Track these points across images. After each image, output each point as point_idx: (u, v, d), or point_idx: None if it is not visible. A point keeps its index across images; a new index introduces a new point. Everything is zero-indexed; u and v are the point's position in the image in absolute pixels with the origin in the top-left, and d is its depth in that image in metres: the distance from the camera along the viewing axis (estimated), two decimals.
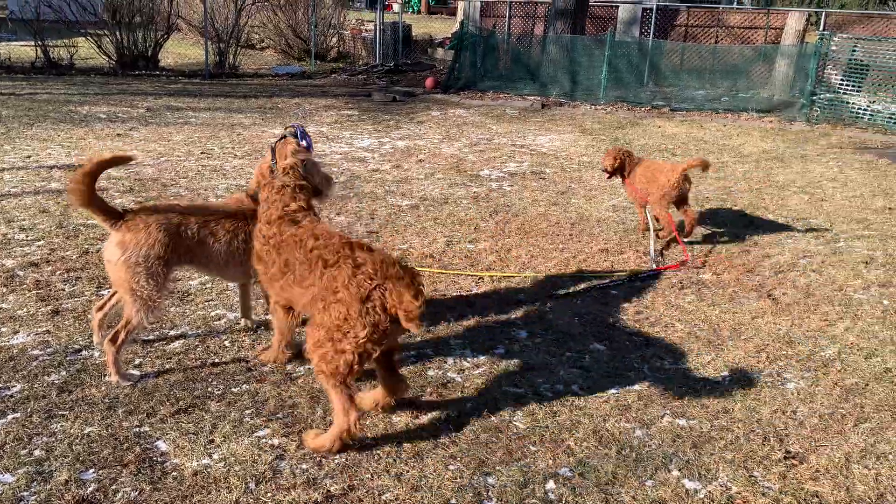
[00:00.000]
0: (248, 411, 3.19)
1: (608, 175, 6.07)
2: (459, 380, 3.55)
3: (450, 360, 3.74)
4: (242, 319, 3.98)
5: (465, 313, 4.32)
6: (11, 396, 3.21)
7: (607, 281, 4.92)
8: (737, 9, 19.38)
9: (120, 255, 3.24)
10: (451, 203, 6.67)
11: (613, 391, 3.52)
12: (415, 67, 17.81)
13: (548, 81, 14.75)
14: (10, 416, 3.06)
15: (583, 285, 4.85)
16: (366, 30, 20.79)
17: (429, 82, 15.20)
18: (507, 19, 18.72)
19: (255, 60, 18.17)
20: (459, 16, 21.80)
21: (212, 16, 15.75)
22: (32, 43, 14.52)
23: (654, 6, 17.03)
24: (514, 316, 4.34)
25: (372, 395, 3.19)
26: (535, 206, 6.75)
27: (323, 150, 8.68)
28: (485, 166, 8.29)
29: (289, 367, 3.58)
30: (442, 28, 25.64)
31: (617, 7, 17.93)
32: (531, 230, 5.99)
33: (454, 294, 4.61)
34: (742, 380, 3.68)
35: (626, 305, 4.57)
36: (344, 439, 2.86)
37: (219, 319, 4.07)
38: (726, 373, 3.75)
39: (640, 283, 4.93)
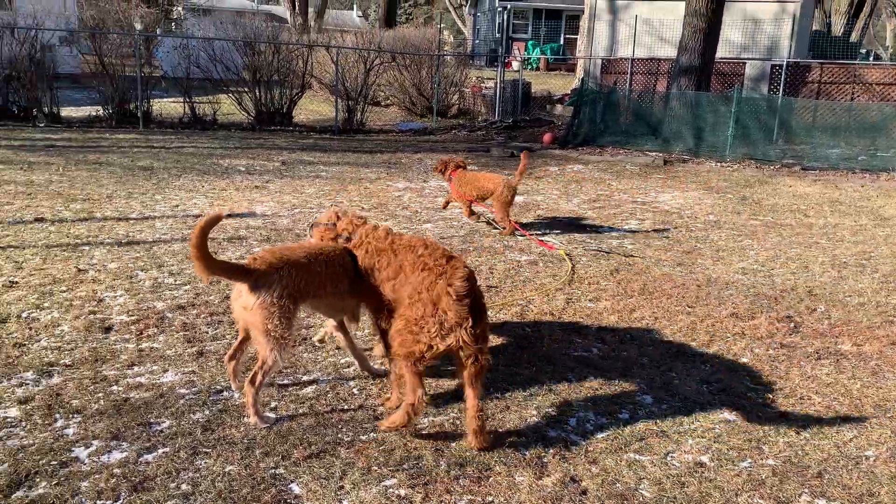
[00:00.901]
0: (375, 460, 3.28)
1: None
2: (583, 443, 3.51)
3: (572, 422, 3.71)
4: (363, 371, 4.13)
5: (586, 374, 4.28)
6: (161, 431, 3.45)
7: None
8: (875, 65, 18.50)
9: (255, 300, 3.45)
10: (570, 260, 6.66)
11: (745, 464, 3.38)
12: (533, 123, 18.04)
13: (670, 137, 14.55)
14: (160, 451, 3.29)
15: (713, 349, 4.70)
16: (486, 87, 21.30)
17: (546, 138, 15.33)
18: (628, 76, 18.69)
19: (380, 117, 18.98)
20: (579, 73, 21.98)
21: (343, 75, 16.64)
22: (181, 100, 15.82)
23: (785, 63, 16.54)
24: (637, 379, 4.25)
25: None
26: (658, 265, 6.63)
27: (440, 204, 8.91)
28: (605, 223, 8.24)
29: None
30: (560, 84, 25.90)
31: (744, 63, 17.54)
32: (655, 291, 5.88)
33: (575, 354, 4.59)
34: (889, 461, 3.44)
35: (757, 374, 4.38)
36: (410, 413, 3.37)
37: (348, 367, 4.23)
38: (870, 452, 3.52)
39: (771, 351, 4.72)
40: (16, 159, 10.49)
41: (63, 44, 17.90)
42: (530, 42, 34.49)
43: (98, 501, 2.91)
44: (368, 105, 17.65)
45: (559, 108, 20.39)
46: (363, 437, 3.46)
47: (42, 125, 14.50)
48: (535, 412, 3.79)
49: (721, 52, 16.67)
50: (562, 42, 35.20)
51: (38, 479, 3.03)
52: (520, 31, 35.44)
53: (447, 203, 8.48)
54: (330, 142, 14.68)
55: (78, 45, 22.74)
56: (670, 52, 17.59)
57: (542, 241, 7.28)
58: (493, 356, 4.39)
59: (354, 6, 56.66)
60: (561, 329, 4.98)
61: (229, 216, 7.70)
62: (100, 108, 15.37)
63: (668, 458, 3.40)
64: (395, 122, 18.44)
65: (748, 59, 17.31)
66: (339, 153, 13.01)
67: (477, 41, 39.95)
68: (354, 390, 3.95)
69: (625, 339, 4.86)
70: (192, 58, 15.89)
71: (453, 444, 3.45)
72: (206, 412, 3.64)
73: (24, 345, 4.34)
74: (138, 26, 24.74)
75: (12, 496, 2.91)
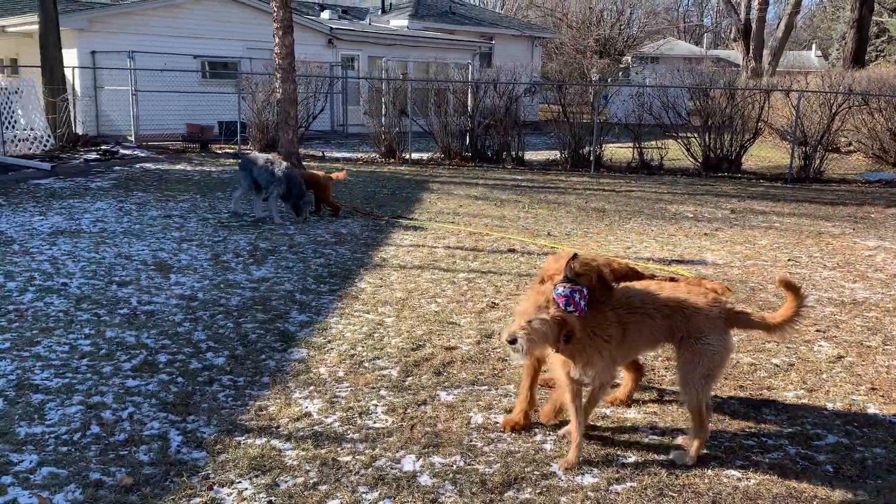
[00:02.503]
0: None
1: None
2: None
3: None
4: None
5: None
6: (627, 465, 3.60)
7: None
8: None
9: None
10: None
11: None
12: None
13: None
14: (628, 484, 3.43)
15: None
16: None
17: None
18: None
19: (840, 165, 17.19)
20: None
21: (801, 120, 15.52)
22: (630, 145, 16.49)
23: None
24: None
25: None
26: None
27: None
28: None
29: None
30: None
31: None
32: None
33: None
34: None
35: None
36: None
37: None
38: None
39: None
40: (490, 196, 12.09)
41: (526, 94, 20.14)
42: None
43: None
44: (827, 152, 16.13)
45: None
46: None
47: (509, 167, 16.49)
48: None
49: None
50: None
51: (524, 485, 3.41)
52: None
53: None
54: (782, 191, 13.79)
55: (540, 96, 25.33)
56: None
57: None
58: None
59: (813, 46, 52.56)
60: None
61: (678, 262, 7.73)
62: (556, 152, 16.88)
63: None
64: (859, 171, 16.50)
65: None
66: (793, 203, 12.13)
67: None
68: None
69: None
70: (644, 105, 16.45)
71: None
72: (668, 455, 3.68)
73: (506, 360, 4.94)
74: (595, 77, 26.57)
75: (504, 495, 3.32)
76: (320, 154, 17.46)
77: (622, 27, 48.86)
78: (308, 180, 9.77)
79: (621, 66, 43.95)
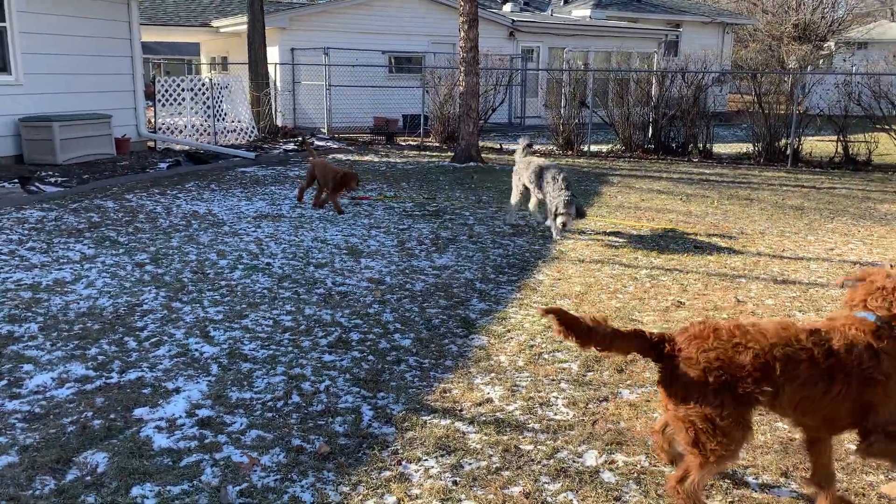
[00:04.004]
0: None
1: None
2: None
3: None
4: None
5: None
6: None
7: None
8: None
9: None
10: None
11: None
12: None
13: None
14: None
15: None
16: None
17: None
18: None
19: None
20: None
21: None
22: (834, 138, 15.12)
23: None
24: None
25: None
26: None
27: None
28: None
29: None
30: None
31: None
32: None
33: None
34: None
35: None
36: None
37: None
38: None
39: None
40: (675, 190, 11.60)
41: (714, 84, 19.07)
42: None
43: None
44: None
45: None
46: None
47: (696, 160, 15.72)
48: None
49: None
50: None
51: (713, 491, 3.24)
52: None
53: None
54: None
55: (731, 85, 23.88)
56: None
57: None
58: None
59: None
60: None
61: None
62: (749, 145, 15.86)
63: None
64: None
65: None
66: None
67: None
68: None
69: None
70: (852, 94, 15.02)
71: None
72: (881, 477, 3.35)
73: None
74: (792, 64, 24.68)
75: None
76: (498, 146, 17.64)
77: (825, 10, 44.88)
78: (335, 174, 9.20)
79: (823, 52, 40.41)
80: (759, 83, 15.93)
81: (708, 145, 16.15)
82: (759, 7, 42.43)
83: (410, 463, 3.43)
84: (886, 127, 14.79)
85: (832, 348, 2.74)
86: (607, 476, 3.36)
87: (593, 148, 16.83)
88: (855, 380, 2.71)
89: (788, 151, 14.97)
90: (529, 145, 9.38)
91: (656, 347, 2.90)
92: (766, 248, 7.84)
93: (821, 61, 36.65)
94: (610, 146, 16.99)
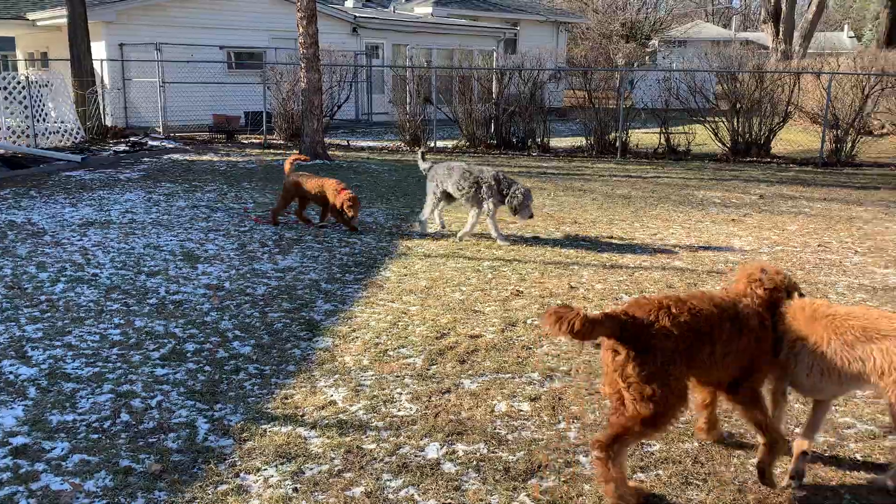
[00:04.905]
0: None
1: None
2: None
3: None
4: None
5: None
6: (653, 454, 3.58)
7: None
8: None
9: None
10: None
11: None
12: None
13: None
14: (652, 473, 3.41)
15: None
16: None
17: None
18: None
19: (873, 149, 16.80)
20: None
21: (832, 102, 15.21)
22: (657, 130, 16.28)
23: None
24: None
25: None
26: None
27: None
28: None
29: None
30: None
31: None
32: None
33: None
34: None
35: None
36: None
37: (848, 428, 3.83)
38: None
39: None
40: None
41: (551, 81, 19.96)
42: None
43: None
44: (859, 135, 15.80)
45: None
46: None
47: (535, 154, 16.39)
48: None
49: None
50: None
51: (548, 473, 3.41)
52: None
53: None
54: (813, 175, 13.55)
55: (565, 82, 25.08)
56: None
57: None
58: None
59: (845, 27, 51.43)
60: None
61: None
62: (582, 138, 16.75)
63: None
64: (894, 154, 16.14)
65: None
66: (824, 188, 11.92)
67: None
68: (857, 455, 3.55)
69: None
70: (672, 90, 16.23)
71: None
72: (695, 444, 3.66)
73: (531, 348, 4.93)
74: (620, 62, 26.26)
75: (528, 482, 3.33)
76: (345, 143, 17.52)
77: (649, 10, 48.23)
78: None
79: (648, 50, 43.39)
80: (589, 79, 16.84)
81: (546, 140, 16.89)
82: (589, 7, 44.87)
83: (249, 474, 3.34)
84: (702, 119, 16.11)
85: (739, 313, 3.25)
86: (448, 467, 3.43)
87: (439, 144, 17.12)
88: (751, 337, 3.24)
89: (618, 144, 15.97)
90: (424, 152, 9.01)
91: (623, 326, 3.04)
92: (597, 235, 8.31)
93: (646, 58, 39.34)
94: (455, 142, 17.35)
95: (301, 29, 13.74)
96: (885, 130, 18.82)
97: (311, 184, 8.31)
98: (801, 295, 3.46)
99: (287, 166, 8.66)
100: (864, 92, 15.06)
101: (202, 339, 4.96)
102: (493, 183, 7.84)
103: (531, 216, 7.98)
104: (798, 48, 28.57)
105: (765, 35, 33.17)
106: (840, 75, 15.73)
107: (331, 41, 18.62)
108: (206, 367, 4.50)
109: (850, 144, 15.25)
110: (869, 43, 40.39)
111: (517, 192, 7.78)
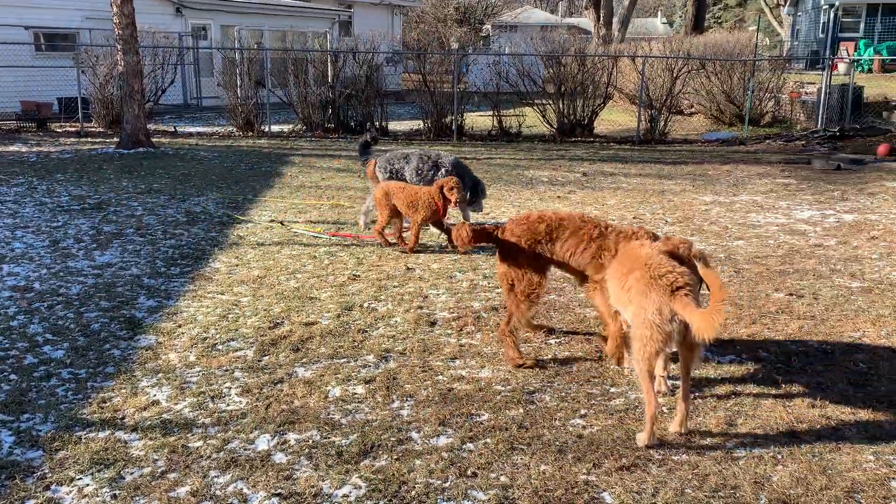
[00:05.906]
0: (688, 482, 3.20)
1: None
2: None
3: None
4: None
5: None
6: (481, 423, 3.72)
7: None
8: None
9: None
10: None
11: None
12: (863, 133, 16.05)
13: None
14: (480, 441, 3.55)
15: None
16: (806, 92, 19.45)
17: (882, 149, 13.57)
18: None
19: (683, 126, 18.32)
20: None
21: (647, 84, 16.36)
22: (490, 113, 16.78)
23: None
24: None
25: None
26: None
27: (756, 221, 8.34)
28: None
29: (729, 444, 3.51)
30: None
31: None
32: None
33: None
34: None
35: None
36: None
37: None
38: None
39: None
40: (353, 168, 11.96)
41: (388, 64, 20.00)
42: (862, 41, 30.73)
43: (430, 480, 3.23)
44: (671, 114, 17.14)
45: None
46: (675, 458, 3.40)
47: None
48: (871, 458, 3.40)
49: None
50: None
51: (380, 452, 3.45)
52: (848, 30, 31.78)
53: None
54: (631, 153, 14.54)
55: (402, 65, 25.22)
56: None
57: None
58: (821, 392, 4.05)
59: (659, 13, 55.37)
60: None
61: None
62: (420, 122, 16.93)
63: None
64: (700, 132, 17.66)
65: None
66: (640, 164, 12.83)
67: (795, 43, 36.68)
68: (664, 409, 3.88)
69: None
70: (502, 73, 16.75)
71: (775, 479, 3.23)
72: (521, 410, 3.84)
73: (366, 331, 4.95)
74: (454, 45, 26.72)
75: (360, 464, 3.35)
76: (172, 129, 16.61)
77: None
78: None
79: (482, 34, 44.48)
80: (423, 62, 17.02)
81: (384, 123, 16.91)
82: None
83: (61, 485, 3.12)
84: (531, 102, 16.78)
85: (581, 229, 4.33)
86: (279, 457, 3.38)
87: (274, 128, 16.66)
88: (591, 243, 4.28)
89: (454, 127, 16.28)
90: (367, 142, 8.33)
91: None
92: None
93: (480, 43, 40.29)
94: (291, 126, 16.95)
95: (115, 8, 12.82)
96: (693, 109, 20.51)
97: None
98: None
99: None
100: (674, 74, 16.32)
101: (7, 345, 4.55)
102: (450, 168, 7.70)
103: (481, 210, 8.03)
104: (617, 33, 30.40)
105: (588, 21, 35.04)
106: (652, 59, 16.93)
107: (152, 21, 17.52)
108: (12, 376, 4.13)
109: (662, 123, 16.49)
110: (679, 29, 43.77)
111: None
